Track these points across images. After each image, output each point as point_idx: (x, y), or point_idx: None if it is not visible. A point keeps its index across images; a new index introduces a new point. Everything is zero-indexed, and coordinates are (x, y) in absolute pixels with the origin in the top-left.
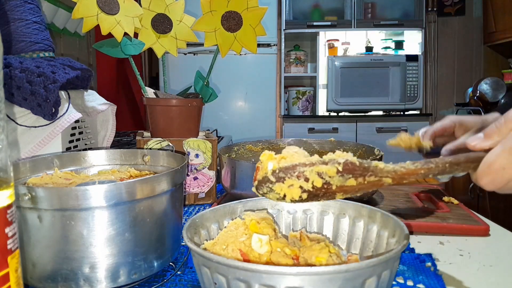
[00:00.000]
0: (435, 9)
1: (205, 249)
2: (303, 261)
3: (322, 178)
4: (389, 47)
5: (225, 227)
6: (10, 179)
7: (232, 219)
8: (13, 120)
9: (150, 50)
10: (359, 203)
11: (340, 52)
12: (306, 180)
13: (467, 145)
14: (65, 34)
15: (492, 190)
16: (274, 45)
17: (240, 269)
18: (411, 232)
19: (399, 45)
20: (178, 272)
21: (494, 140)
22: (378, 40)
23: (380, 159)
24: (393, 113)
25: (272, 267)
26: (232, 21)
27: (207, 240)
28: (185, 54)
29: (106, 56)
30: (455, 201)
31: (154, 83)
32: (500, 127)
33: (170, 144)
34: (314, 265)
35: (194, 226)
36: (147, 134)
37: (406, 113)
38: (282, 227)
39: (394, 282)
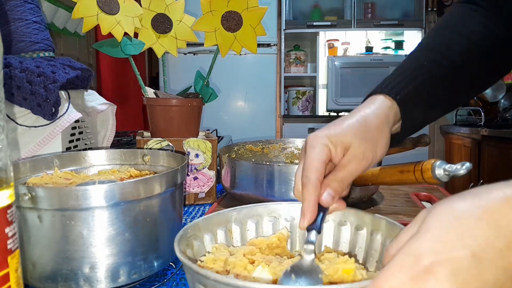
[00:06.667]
0: (435, 9)
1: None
2: (326, 280)
3: None
4: (389, 47)
5: (217, 243)
6: (10, 179)
7: (227, 228)
8: (13, 120)
9: (150, 50)
10: (361, 210)
11: (340, 52)
12: None
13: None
14: (65, 34)
15: None
16: (274, 45)
17: None
18: None
19: (399, 45)
20: (178, 272)
21: None
22: (378, 40)
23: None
24: None
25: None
26: (232, 21)
27: (199, 258)
28: (185, 54)
29: (106, 56)
30: None
31: (154, 83)
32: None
33: (170, 144)
34: (343, 280)
35: (186, 237)
36: (147, 134)
37: None
38: None
39: None
